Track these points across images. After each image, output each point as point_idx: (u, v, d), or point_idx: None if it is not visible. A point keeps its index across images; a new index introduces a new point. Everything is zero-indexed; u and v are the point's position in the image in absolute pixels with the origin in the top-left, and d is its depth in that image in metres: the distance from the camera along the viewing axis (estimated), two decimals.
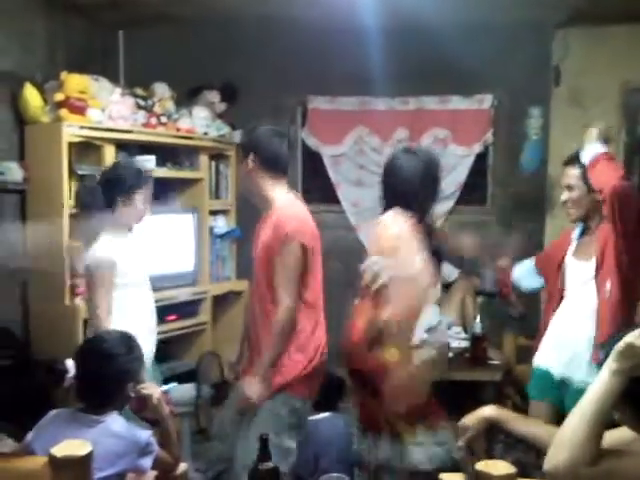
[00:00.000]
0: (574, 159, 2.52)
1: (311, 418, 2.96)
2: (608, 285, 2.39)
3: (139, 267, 2.79)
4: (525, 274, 2.84)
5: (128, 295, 2.69)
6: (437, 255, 2.56)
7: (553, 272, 2.67)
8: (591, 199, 2.45)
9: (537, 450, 1.71)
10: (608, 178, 2.30)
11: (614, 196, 2.28)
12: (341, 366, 2.68)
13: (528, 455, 1.79)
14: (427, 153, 2.61)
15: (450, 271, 4.14)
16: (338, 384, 3.18)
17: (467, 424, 1.80)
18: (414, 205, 2.43)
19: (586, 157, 2.42)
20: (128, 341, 1.97)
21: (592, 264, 2.47)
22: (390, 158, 2.56)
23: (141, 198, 2.73)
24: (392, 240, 2.37)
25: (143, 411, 2.07)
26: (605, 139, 2.47)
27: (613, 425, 1.54)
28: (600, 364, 1.58)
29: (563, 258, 2.63)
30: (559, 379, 2.55)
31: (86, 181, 3.27)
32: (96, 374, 1.89)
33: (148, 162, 3.59)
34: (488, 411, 1.78)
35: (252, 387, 2.42)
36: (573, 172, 2.49)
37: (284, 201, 2.53)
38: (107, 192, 2.73)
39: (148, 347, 2.59)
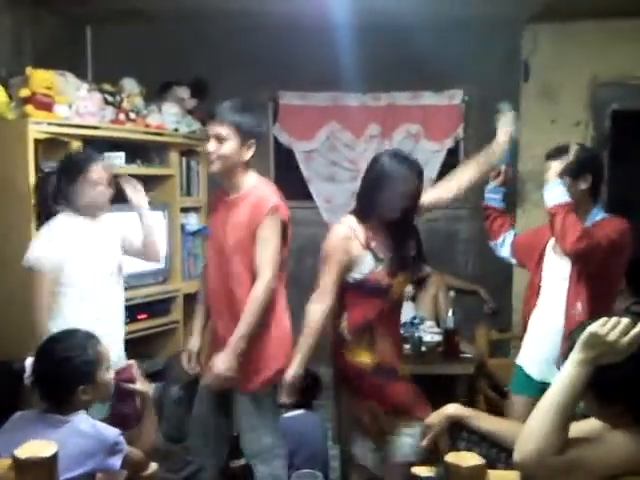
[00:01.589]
0: (556, 152, 2.54)
1: (285, 415, 2.95)
2: (579, 305, 2.42)
3: (89, 266, 2.65)
4: (505, 245, 2.86)
5: (69, 296, 2.59)
6: (414, 254, 2.58)
7: (533, 264, 2.68)
8: (575, 190, 2.47)
9: (499, 447, 1.73)
10: (567, 234, 2.35)
11: (574, 256, 2.39)
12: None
13: (491, 452, 1.80)
14: (393, 161, 2.51)
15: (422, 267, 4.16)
16: (312, 381, 3.17)
17: (431, 423, 1.83)
18: (368, 210, 2.48)
19: (547, 199, 2.47)
20: (85, 342, 1.93)
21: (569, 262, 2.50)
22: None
23: (92, 183, 2.64)
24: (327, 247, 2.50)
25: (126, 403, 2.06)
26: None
27: (583, 416, 1.56)
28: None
29: (544, 250, 2.65)
30: (538, 378, 2.58)
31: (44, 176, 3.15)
32: (48, 375, 1.87)
33: (117, 159, 3.54)
34: (451, 409, 1.82)
35: (224, 360, 2.37)
36: (556, 165, 2.50)
37: (259, 180, 2.56)
38: (60, 182, 2.69)
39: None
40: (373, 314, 2.46)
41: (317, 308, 2.44)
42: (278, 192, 2.56)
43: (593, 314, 2.29)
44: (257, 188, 2.51)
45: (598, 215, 2.50)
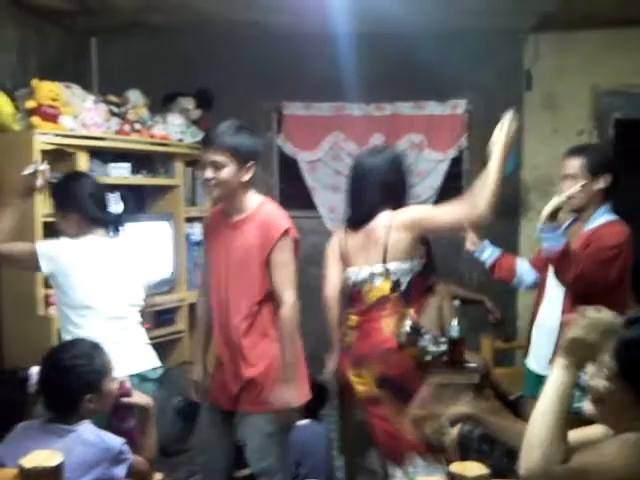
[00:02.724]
0: (577, 150, 2.55)
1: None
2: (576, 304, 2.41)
3: (112, 287, 2.58)
4: (526, 270, 2.86)
5: (94, 317, 2.51)
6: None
7: (543, 268, 2.71)
8: (591, 189, 2.48)
9: (510, 458, 1.73)
10: (564, 276, 2.41)
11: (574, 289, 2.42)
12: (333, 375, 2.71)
13: (501, 462, 1.80)
14: (363, 159, 2.68)
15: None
16: (320, 391, 3.17)
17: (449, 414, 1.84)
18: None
19: (546, 245, 2.47)
20: (91, 351, 1.94)
21: None
22: None
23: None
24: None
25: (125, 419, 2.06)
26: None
27: (587, 422, 1.56)
28: None
29: None
30: (540, 372, 2.59)
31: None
32: (54, 384, 1.88)
33: (122, 169, 3.57)
34: (465, 406, 1.83)
35: (289, 392, 2.36)
36: (575, 162, 2.51)
37: (263, 200, 2.52)
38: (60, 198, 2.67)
39: None
40: None
41: None
42: (282, 210, 2.54)
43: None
44: (263, 209, 2.46)
45: (602, 216, 2.49)
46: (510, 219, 4.46)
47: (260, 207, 2.47)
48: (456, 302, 4.01)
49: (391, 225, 2.48)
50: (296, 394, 2.39)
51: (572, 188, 2.49)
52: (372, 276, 2.53)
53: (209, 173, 2.38)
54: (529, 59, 4.36)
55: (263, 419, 2.43)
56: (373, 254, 2.53)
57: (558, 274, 2.46)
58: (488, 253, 2.88)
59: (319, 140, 4.56)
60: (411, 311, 2.50)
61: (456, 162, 4.56)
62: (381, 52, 4.21)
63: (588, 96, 4.30)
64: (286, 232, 2.39)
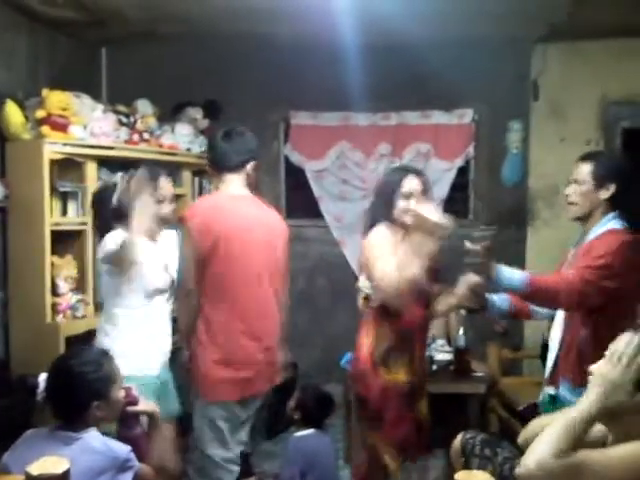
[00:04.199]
0: (587, 156, 2.53)
1: (296, 435, 2.95)
2: (583, 331, 2.35)
3: (146, 285, 2.62)
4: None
5: (127, 316, 2.59)
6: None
7: None
8: (595, 197, 2.44)
9: (512, 464, 1.72)
10: (553, 301, 2.35)
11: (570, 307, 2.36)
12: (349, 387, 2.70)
13: (504, 468, 1.79)
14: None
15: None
16: (325, 401, 3.17)
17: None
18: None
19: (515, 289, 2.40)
20: (100, 358, 1.95)
21: None
22: None
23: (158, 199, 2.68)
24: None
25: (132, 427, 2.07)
26: None
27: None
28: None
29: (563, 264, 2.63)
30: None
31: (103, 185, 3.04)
32: (62, 391, 1.88)
33: None
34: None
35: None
36: (585, 168, 2.49)
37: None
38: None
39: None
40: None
41: None
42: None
43: (597, 329, 2.29)
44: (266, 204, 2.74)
45: (606, 224, 2.44)
46: (517, 228, 4.46)
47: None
48: (462, 312, 4.01)
49: (364, 243, 2.50)
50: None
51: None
52: (360, 288, 2.59)
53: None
54: (536, 69, 4.37)
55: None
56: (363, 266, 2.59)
57: (548, 306, 2.43)
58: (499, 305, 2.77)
59: (326, 149, 4.58)
60: (388, 332, 2.45)
61: (463, 171, 4.56)
62: (388, 62, 4.23)
63: (595, 105, 4.30)
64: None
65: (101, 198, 2.78)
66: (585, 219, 2.47)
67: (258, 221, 2.59)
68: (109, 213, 2.68)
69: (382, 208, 2.48)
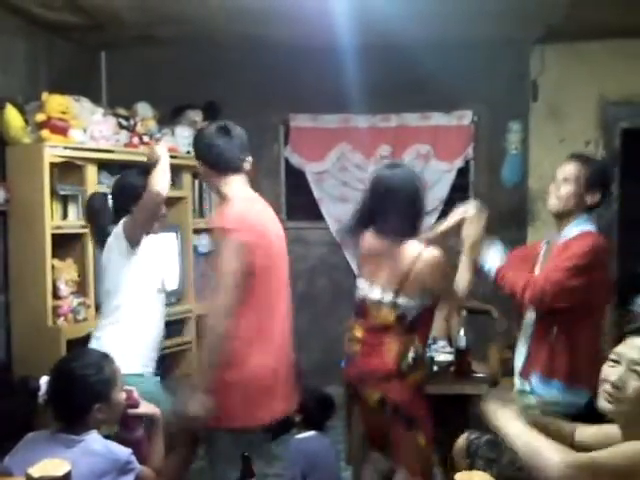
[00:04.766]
0: (578, 156, 2.53)
1: (297, 437, 2.95)
2: (554, 329, 2.38)
3: (139, 285, 2.68)
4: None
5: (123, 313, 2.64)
6: None
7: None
8: (580, 200, 2.45)
9: (516, 466, 1.73)
10: (521, 294, 2.35)
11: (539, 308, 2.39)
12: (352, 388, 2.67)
13: (506, 470, 1.80)
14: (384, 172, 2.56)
15: None
16: (326, 403, 3.17)
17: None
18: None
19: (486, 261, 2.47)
20: (101, 361, 1.95)
21: None
22: None
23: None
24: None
25: (133, 430, 2.07)
26: None
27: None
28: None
29: (533, 267, 2.65)
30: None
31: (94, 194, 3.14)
32: (63, 393, 1.88)
33: None
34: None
35: None
36: (578, 169, 2.48)
37: None
38: (117, 202, 2.71)
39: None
40: None
41: None
42: None
43: (568, 326, 2.35)
44: None
45: (579, 226, 2.45)
46: (517, 228, 4.46)
47: None
48: (463, 312, 4.02)
49: (416, 261, 2.38)
50: None
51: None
52: (380, 302, 2.45)
53: None
54: (535, 70, 4.38)
55: None
56: (388, 278, 2.43)
57: (513, 299, 2.41)
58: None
59: (326, 151, 4.59)
60: (415, 339, 2.45)
61: (462, 172, 4.57)
62: (387, 63, 4.24)
63: (594, 106, 4.31)
64: None
65: (94, 207, 2.86)
66: (563, 217, 2.49)
67: (277, 226, 2.47)
68: (105, 220, 2.76)
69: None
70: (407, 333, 2.43)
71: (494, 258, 2.47)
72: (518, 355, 2.59)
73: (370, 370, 2.45)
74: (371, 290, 2.49)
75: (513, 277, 2.39)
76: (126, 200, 2.67)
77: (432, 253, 2.40)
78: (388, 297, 2.43)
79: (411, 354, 2.42)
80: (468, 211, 2.52)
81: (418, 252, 2.39)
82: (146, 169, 2.68)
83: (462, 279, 2.45)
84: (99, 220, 2.83)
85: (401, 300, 2.41)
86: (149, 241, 2.70)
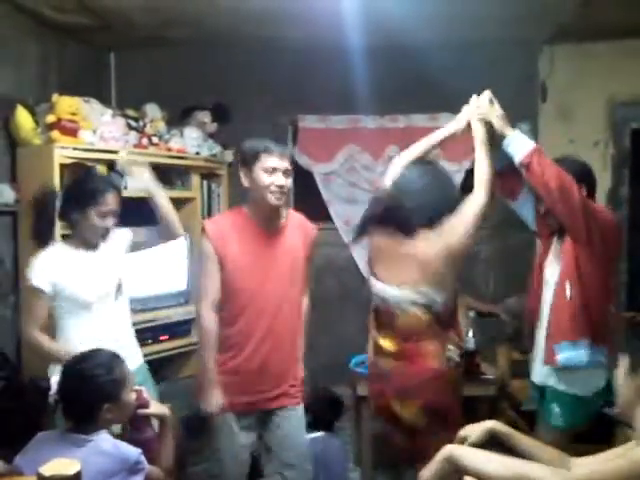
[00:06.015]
0: (558, 160, 2.53)
1: (307, 437, 2.95)
2: (568, 288, 2.38)
3: (88, 287, 2.55)
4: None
5: (70, 317, 2.54)
6: None
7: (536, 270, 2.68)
8: None
9: None
10: (550, 179, 2.33)
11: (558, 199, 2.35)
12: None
13: None
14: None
15: None
16: (335, 403, 3.17)
17: (468, 433, 1.81)
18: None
19: (514, 152, 2.45)
20: (111, 361, 1.96)
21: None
22: None
23: (97, 213, 2.54)
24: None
25: (143, 430, 2.07)
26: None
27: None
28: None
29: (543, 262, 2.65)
30: (537, 381, 2.62)
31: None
32: (73, 393, 1.90)
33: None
34: (491, 424, 1.81)
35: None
36: None
37: None
38: (64, 207, 2.62)
39: None
40: None
41: None
42: None
43: (586, 301, 2.36)
44: (290, 212, 2.69)
45: None
46: (525, 231, 4.43)
47: (289, 210, 2.71)
48: (471, 314, 4.01)
49: (440, 251, 2.26)
50: None
51: None
52: (405, 301, 2.29)
53: (281, 180, 2.45)
54: (544, 70, 4.37)
55: (302, 409, 2.64)
56: (409, 275, 2.28)
57: (543, 181, 2.35)
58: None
59: (334, 152, 4.59)
60: (453, 335, 2.38)
61: (471, 173, 4.54)
62: (395, 64, 4.23)
63: (604, 106, 4.29)
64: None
65: (43, 202, 2.73)
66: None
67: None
68: (50, 218, 2.68)
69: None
70: (442, 331, 2.32)
71: (519, 141, 2.42)
72: (537, 347, 2.58)
73: (413, 379, 2.31)
74: (390, 291, 2.33)
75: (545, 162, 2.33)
76: (80, 204, 2.57)
77: (453, 238, 2.27)
78: (414, 295, 2.27)
79: (454, 354, 2.37)
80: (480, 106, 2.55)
81: (438, 241, 2.26)
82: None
83: (480, 179, 2.44)
84: (44, 217, 2.71)
85: (428, 295, 2.26)
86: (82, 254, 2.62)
